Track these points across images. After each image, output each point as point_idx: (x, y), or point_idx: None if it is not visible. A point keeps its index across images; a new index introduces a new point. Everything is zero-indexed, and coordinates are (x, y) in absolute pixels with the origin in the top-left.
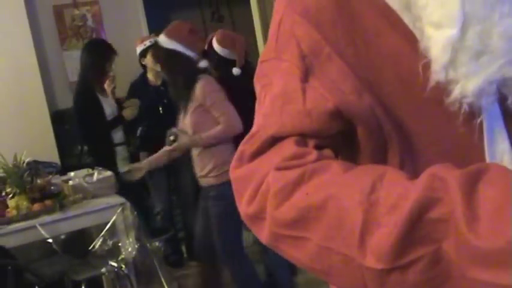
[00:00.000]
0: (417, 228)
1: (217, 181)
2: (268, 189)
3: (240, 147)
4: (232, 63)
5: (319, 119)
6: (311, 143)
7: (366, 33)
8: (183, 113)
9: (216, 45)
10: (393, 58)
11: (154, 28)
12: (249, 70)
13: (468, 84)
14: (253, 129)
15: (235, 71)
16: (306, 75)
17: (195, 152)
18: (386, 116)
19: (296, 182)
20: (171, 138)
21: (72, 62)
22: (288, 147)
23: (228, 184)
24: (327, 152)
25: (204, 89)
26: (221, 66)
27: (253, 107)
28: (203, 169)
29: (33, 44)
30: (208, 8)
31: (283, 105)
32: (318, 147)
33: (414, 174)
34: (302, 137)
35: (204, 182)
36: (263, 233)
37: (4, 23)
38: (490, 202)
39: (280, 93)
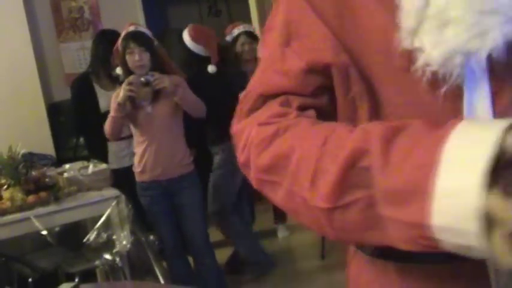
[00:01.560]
0: (351, 175)
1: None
2: (252, 142)
3: (238, 106)
4: (206, 60)
5: (296, 78)
6: (294, 103)
7: (356, 7)
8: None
9: (188, 41)
10: (382, 34)
11: (151, 22)
12: (223, 68)
13: (433, 53)
14: (247, 88)
15: (211, 68)
16: (288, 39)
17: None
18: (360, 79)
19: (272, 135)
20: (142, 79)
21: (68, 54)
22: (273, 107)
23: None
24: (310, 112)
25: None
26: (194, 63)
27: (231, 106)
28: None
29: (30, 35)
30: (206, 2)
31: (267, 68)
32: (302, 107)
33: None
34: (286, 97)
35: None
36: (251, 179)
37: (1, 14)
38: (401, 150)
39: (266, 58)
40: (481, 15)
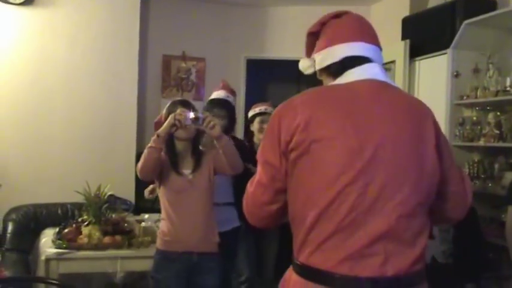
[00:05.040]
0: None
1: None
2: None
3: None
4: None
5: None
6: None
7: None
8: None
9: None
10: None
11: (251, 95)
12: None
13: None
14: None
15: None
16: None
17: None
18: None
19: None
20: (192, 114)
21: None
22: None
23: None
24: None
25: None
26: None
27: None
28: None
29: (138, 86)
30: (306, 86)
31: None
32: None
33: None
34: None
35: None
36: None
37: (116, 63)
38: None
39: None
40: None
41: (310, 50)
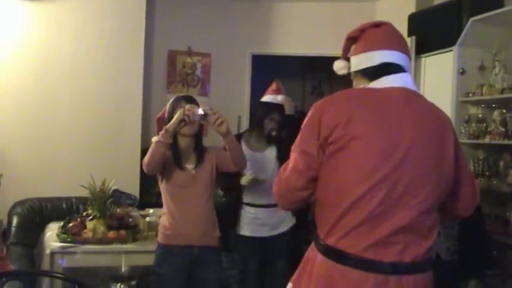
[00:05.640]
0: None
1: None
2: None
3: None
4: None
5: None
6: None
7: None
8: None
9: None
10: None
11: (256, 89)
12: None
13: None
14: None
15: None
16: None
17: None
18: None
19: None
20: (200, 110)
21: None
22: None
23: None
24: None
25: None
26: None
27: None
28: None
29: (143, 81)
30: (311, 82)
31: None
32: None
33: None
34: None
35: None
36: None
37: (121, 58)
38: None
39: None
40: None
41: (345, 53)
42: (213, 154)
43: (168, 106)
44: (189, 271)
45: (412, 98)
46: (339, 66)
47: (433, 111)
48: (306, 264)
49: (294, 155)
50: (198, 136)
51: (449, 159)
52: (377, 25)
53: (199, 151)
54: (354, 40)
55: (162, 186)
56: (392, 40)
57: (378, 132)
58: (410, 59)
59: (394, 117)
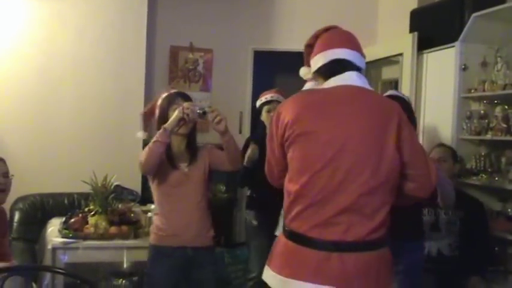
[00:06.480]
0: None
1: None
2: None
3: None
4: None
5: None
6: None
7: None
8: None
9: None
10: None
11: (258, 86)
12: None
13: None
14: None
15: None
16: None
17: None
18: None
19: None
20: (199, 109)
21: None
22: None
23: None
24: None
25: None
26: None
27: None
28: None
29: (145, 76)
30: None
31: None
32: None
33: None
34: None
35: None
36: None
37: (124, 53)
38: None
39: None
40: None
41: (308, 59)
42: (206, 153)
43: (159, 102)
44: (182, 272)
45: (358, 95)
46: (303, 72)
47: (378, 103)
48: (274, 244)
49: (267, 149)
50: (191, 135)
51: (390, 145)
52: (327, 29)
53: (193, 149)
54: (312, 47)
55: (154, 186)
56: (342, 40)
57: (320, 128)
58: (363, 56)
59: (339, 113)
